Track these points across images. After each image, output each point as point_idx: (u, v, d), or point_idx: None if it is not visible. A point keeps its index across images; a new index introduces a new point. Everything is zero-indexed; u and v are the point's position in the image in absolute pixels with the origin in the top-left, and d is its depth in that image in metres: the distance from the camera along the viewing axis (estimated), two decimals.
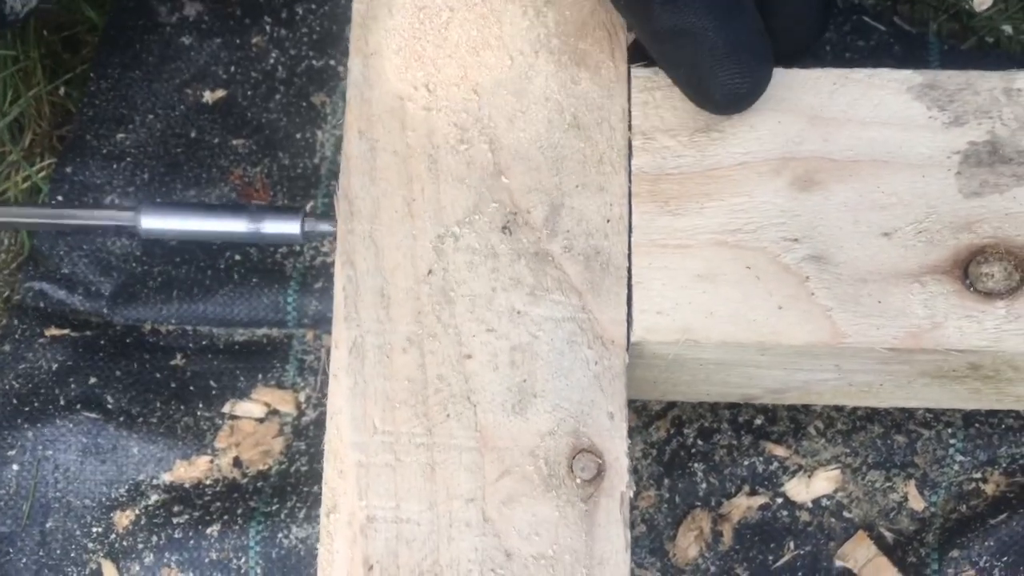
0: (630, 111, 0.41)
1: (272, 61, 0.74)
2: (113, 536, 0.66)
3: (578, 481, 0.36)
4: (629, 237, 0.39)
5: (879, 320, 0.38)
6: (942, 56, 0.75)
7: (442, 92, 0.39)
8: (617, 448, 0.37)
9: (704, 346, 0.39)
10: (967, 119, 0.39)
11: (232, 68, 0.74)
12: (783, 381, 0.45)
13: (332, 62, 0.74)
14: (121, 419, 0.66)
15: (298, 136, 0.73)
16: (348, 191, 0.39)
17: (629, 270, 0.39)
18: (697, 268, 0.40)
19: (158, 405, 0.68)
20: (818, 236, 0.39)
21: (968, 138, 0.39)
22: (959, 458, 0.62)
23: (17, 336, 0.69)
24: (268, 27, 0.74)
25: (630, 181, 0.40)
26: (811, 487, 0.62)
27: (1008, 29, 0.78)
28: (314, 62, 0.74)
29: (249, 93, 0.73)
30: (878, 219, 0.39)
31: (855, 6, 0.77)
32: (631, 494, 0.36)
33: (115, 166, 0.72)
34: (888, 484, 0.63)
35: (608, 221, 0.39)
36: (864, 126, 0.40)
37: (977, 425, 0.62)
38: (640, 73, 0.42)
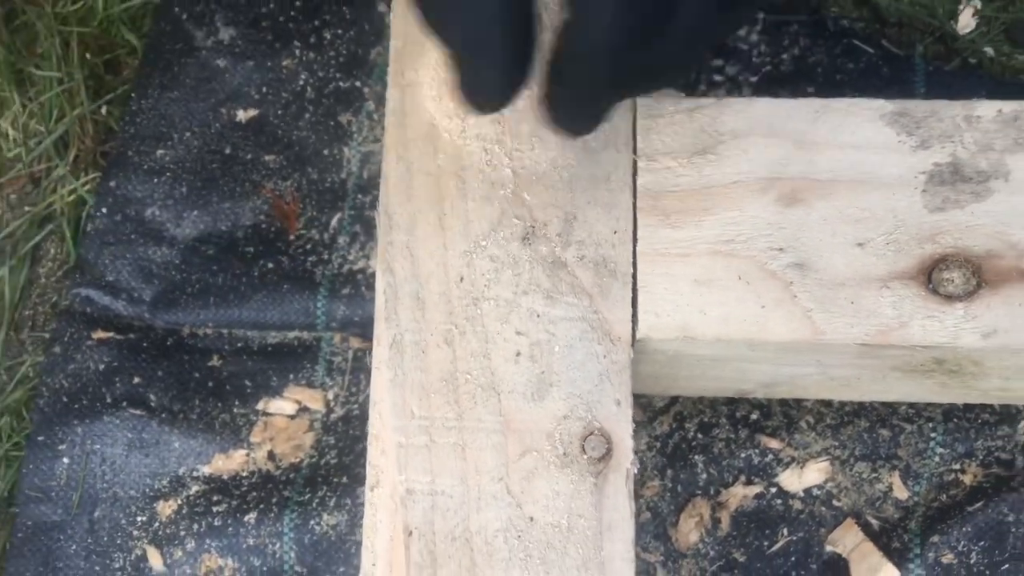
0: (635, 136, 0.47)
1: (302, 82, 0.78)
2: (157, 524, 0.70)
3: (589, 459, 0.41)
4: (634, 247, 0.45)
5: (853, 319, 0.43)
6: (927, 77, 0.79)
7: (471, 120, 0.45)
8: (623, 431, 0.42)
9: (700, 343, 0.45)
10: (932, 143, 0.44)
11: (264, 89, 0.77)
12: (771, 375, 0.50)
13: (358, 84, 0.78)
14: (163, 416, 0.70)
15: (326, 152, 0.76)
16: (387, 207, 0.45)
17: (634, 276, 0.45)
18: (695, 274, 0.45)
19: (197, 403, 0.71)
20: (800, 246, 0.44)
21: (933, 160, 0.44)
22: (939, 451, 0.66)
23: (66, 339, 0.73)
24: (298, 51, 0.78)
25: (635, 197, 0.46)
26: (803, 477, 0.66)
27: (990, 51, 0.83)
28: (341, 83, 0.77)
29: (280, 112, 0.77)
30: (853, 231, 0.44)
31: (846, 30, 0.81)
32: (635, 470, 0.41)
33: (155, 180, 0.76)
34: (874, 475, 0.67)
35: (615, 232, 0.45)
36: (843, 149, 0.45)
37: (956, 420, 0.66)
38: (644, 102, 0.47)
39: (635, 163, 0.45)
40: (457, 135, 0.44)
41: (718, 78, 0.78)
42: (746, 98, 0.51)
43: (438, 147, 0.45)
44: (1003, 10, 0.82)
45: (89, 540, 0.69)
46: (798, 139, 0.45)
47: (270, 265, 0.73)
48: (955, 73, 0.79)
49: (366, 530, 0.41)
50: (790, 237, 0.44)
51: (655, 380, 0.52)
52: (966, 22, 0.83)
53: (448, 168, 0.44)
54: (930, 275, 0.42)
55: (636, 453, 0.65)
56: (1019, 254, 0.42)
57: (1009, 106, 0.44)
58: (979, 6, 0.82)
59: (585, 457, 0.41)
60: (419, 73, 0.45)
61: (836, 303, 0.43)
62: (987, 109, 0.44)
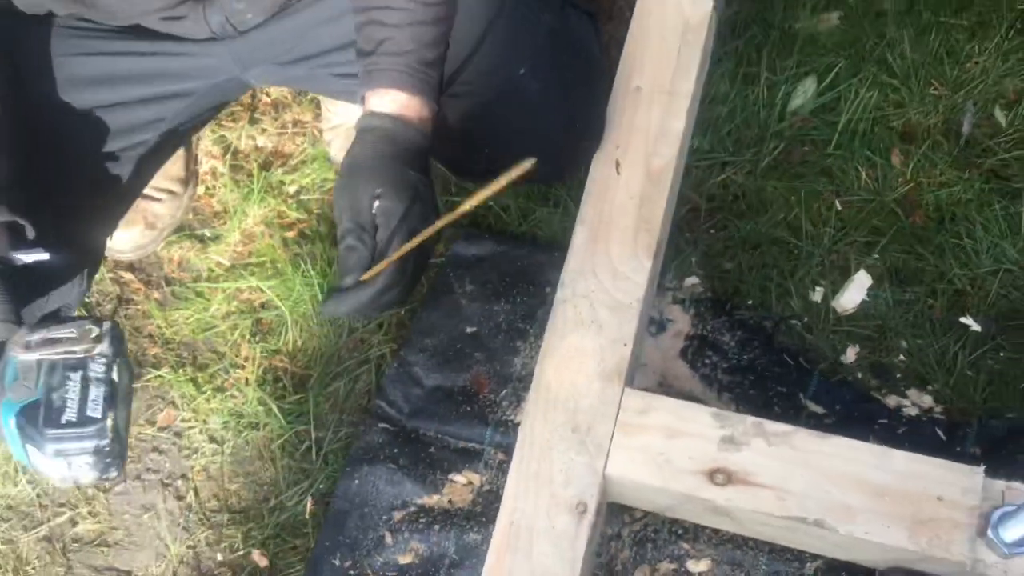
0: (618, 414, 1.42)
1: (500, 318, 1.57)
2: (392, 522, 1.45)
3: (578, 511, 1.35)
4: (610, 442, 1.38)
5: (681, 485, 1.36)
6: (819, 383, 1.57)
7: (575, 398, 1.40)
8: (594, 505, 1.34)
9: (628, 482, 1.38)
10: (727, 428, 1.35)
11: (481, 318, 1.59)
12: (663, 505, 1.44)
13: (527, 326, 1.64)
14: (405, 470, 1.50)
15: (505, 357, 1.56)
16: (530, 426, 1.41)
17: (608, 452, 1.38)
18: (631, 459, 1.39)
19: (420, 469, 1.58)
20: (671, 455, 1.37)
21: (725, 433, 1.37)
22: (764, 568, 1.56)
23: (367, 423, 1.58)
24: (502, 302, 1.61)
25: (614, 426, 1.40)
26: (698, 567, 1.51)
27: (860, 375, 1.71)
28: (519, 324, 1.57)
29: (487, 331, 1.56)
30: (689, 454, 1.35)
31: (781, 348, 1.72)
32: (593, 519, 1.34)
33: (421, 355, 1.57)
34: (731, 574, 1.57)
35: (604, 435, 1.39)
36: (691, 422, 1.37)
37: (775, 552, 1.46)
38: (626, 405, 1.42)
39: (617, 418, 1.41)
40: (567, 400, 1.41)
41: (707, 361, 1.72)
42: (658, 399, 1.43)
43: (558, 406, 1.41)
44: (871, 353, 1.63)
45: (359, 522, 1.45)
46: (679, 416, 1.38)
47: (467, 408, 1.52)
48: (837, 383, 1.55)
49: (498, 525, 1.36)
50: (666, 454, 1.38)
51: (620, 495, 1.47)
52: (850, 357, 1.59)
53: (558, 420, 1.41)
54: (711, 475, 1.36)
55: (619, 539, 1.60)
56: (746, 473, 1.33)
57: (766, 421, 1.37)
58: (859, 349, 1.72)
59: (577, 510, 1.35)
60: (547, 361, 1.42)
61: (677, 479, 1.37)
62: (747, 423, 1.38)
